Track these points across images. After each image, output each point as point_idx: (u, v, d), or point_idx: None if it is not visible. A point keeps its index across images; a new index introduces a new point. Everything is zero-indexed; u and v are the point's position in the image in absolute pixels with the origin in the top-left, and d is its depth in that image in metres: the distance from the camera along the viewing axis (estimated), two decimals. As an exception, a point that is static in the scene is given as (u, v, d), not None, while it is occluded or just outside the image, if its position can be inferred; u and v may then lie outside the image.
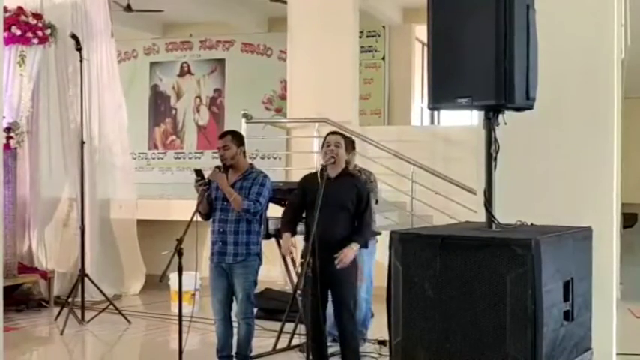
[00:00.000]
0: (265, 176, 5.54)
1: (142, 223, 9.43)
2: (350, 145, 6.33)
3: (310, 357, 5.10)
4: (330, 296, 5.30)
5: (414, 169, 8.82)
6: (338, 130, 6.13)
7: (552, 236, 3.33)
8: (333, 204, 5.14)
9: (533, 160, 4.42)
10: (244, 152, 5.58)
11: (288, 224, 5.37)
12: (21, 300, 8.35)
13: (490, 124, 3.53)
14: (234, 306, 5.50)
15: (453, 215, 7.65)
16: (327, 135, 5.46)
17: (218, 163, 5.60)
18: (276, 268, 7.34)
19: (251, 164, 5.64)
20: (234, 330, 5.53)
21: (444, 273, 3.30)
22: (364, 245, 5.37)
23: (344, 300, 5.24)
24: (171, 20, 12.55)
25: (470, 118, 9.53)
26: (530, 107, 3.57)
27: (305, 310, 5.18)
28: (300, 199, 5.33)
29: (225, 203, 5.45)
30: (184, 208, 7.23)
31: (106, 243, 9.00)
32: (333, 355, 5.68)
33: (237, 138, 5.57)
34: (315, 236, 4.85)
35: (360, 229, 5.27)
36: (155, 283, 6.23)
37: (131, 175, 9.50)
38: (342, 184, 5.27)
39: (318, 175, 5.16)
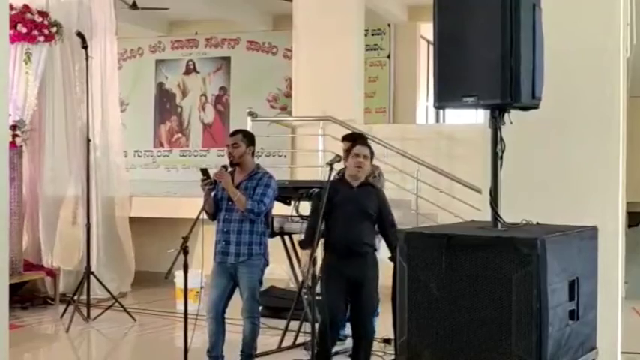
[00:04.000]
0: (270, 177, 5.55)
1: (146, 221, 9.45)
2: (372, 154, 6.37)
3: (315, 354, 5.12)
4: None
5: (418, 168, 8.82)
6: (365, 140, 6.08)
7: (558, 235, 3.33)
8: (358, 211, 5.20)
9: (539, 159, 4.42)
10: (253, 152, 5.58)
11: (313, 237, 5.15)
12: (26, 297, 8.38)
13: (496, 123, 3.53)
14: (240, 304, 5.52)
15: (458, 214, 7.64)
16: (353, 142, 5.47)
17: (224, 161, 5.61)
18: (281, 266, 7.34)
19: (257, 164, 5.64)
20: (225, 327, 5.55)
21: (450, 272, 3.30)
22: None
23: (366, 304, 5.23)
24: (177, 18, 12.55)
25: (475, 117, 9.50)
26: (536, 106, 3.56)
27: (311, 307, 5.17)
28: (327, 206, 5.15)
29: (229, 203, 5.47)
30: (189, 206, 7.24)
31: (110, 240, 9.02)
32: (337, 353, 5.69)
33: (248, 138, 5.58)
34: (319, 235, 4.88)
35: (392, 245, 5.20)
36: (158, 280, 6.24)
37: (124, 173, 9.50)
38: (365, 192, 5.31)
39: (327, 176, 5.19)
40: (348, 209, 5.17)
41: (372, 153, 5.47)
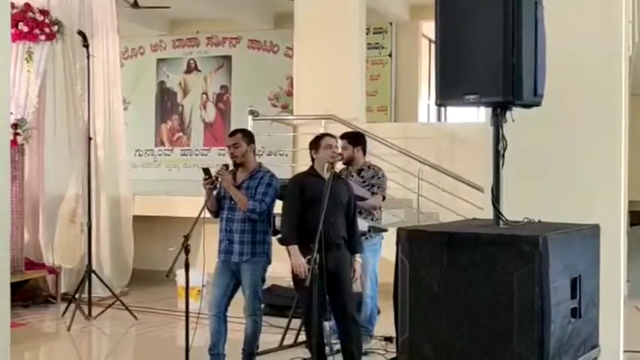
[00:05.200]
0: (272, 175, 5.56)
1: (147, 220, 9.45)
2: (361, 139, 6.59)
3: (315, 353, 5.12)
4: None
5: (420, 166, 8.81)
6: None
7: (560, 233, 3.33)
8: (335, 203, 5.25)
9: (541, 157, 4.41)
10: (254, 151, 5.60)
11: (296, 232, 5.32)
12: (28, 296, 8.38)
13: (498, 120, 3.53)
14: (242, 303, 5.52)
15: (460, 212, 7.63)
16: (326, 136, 5.58)
17: (225, 160, 5.62)
18: (283, 264, 7.34)
19: (259, 163, 5.65)
20: (227, 326, 5.55)
21: (451, 270, 3.30)
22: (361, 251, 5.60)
23: (348, 293, 5.34)
24: (178, 17, 12.54)
25: (477, 115, 9.50)
26: (538, 104, 3.56)
27: (310, 306, 5.17)
28: (300, 201, 5.33)
29: (232, 202, 5.48)
30: (191, 204, 7.24)
31: (111, 239, 9.01)
32: (339, 351, 5.69)
33: (247, 136, 5.60)
34: (322, 233, 4.87)
35: (355, 237, 5.48)
36: (159, 279, 6.25)
37: (126, 172, 9.51)
38: (337, 185, 5.36)
39: (326, 172, 5.19)
40: (322, 201, 5.15)
41: (362, 141, 5.57)
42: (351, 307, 5.40)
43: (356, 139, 6.57)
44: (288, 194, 5.46)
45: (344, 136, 6.53)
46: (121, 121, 9.30)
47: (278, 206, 5.76)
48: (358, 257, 5.46)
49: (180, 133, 12.55)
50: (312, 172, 5.47)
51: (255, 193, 5.43)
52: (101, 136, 8.85)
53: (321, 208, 4.91)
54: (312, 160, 5.52)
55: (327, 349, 5.52)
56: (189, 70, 12.53)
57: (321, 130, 9.40)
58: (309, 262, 4.85)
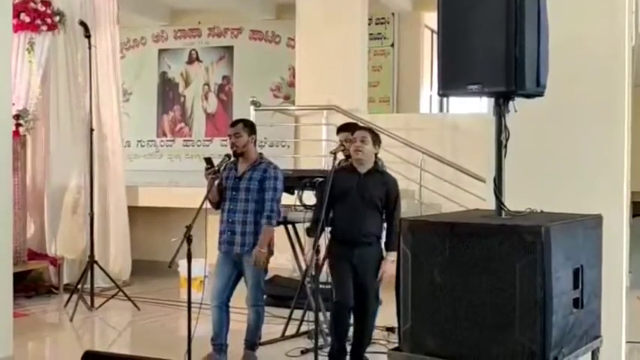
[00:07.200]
0: (275, 167, 5.56)
1: (149, 211, 9.46)
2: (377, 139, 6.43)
3: (318, 344, 5.13)
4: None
5: (422, 157, 8.80)
6: (364, 125, 6.12)
7: (562, 224, 3.32)
8: (362, 199, 5.19)
9: (544, 147, 4.41)
10: (255, 141, 5.60)
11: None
12: (30, 286, 8.39)
13: (500, 111, 3.51)
14: (244, 293, 5.53)
15: (462, 203, 7.63)
16: (353, 129, 5.47)
17: (227, 151, 5.62)
18: (285, 255, 7.35)
19: (260, 154, 5.65)
20: (230, 316, 5.57)
21: (453, 260, 3.30)
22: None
23: (368, 291, 5.27)
24: (180, 7, 12.51)
25: (479, 106, 9.48)
26: (541, 94, 3.55)
27: (314, 296, 5.19)
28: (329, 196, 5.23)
29: (234, 193, 5.49)
30: (193, 195, 7.24)
31: (112, 230, 9.02)
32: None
33: (249, 126, 5.60)
34: (323, 225, 4.88)
35: (391, 234, 5.25)
36: (162, 269, 6.25)
37: (125, 162, 9.50)
38: (371, 179, 5.28)
39: (330, 165, 5.19)
40: (352, 197, 5.16)
41: (377, 139, 5.39)
42: (370, 303, 5.32)
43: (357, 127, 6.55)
44: (318, 189, 5.43)
45: (350, 127, 6.47)
46: (120, 113, 9.27)
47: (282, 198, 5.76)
48: (390, 256, 5.15)
49: (182, 124, 12.55)
50: (347, 165, 5.39)
51: (258, 185, 5.43)
52: (103, 127, 8.84)
53: (323, 201, 4.90)
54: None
55: (320, 340, 5.50)
56: (190, 61, 12.51)
57: (323, 121, 9.45)
58: (317, 251, 4.86)
